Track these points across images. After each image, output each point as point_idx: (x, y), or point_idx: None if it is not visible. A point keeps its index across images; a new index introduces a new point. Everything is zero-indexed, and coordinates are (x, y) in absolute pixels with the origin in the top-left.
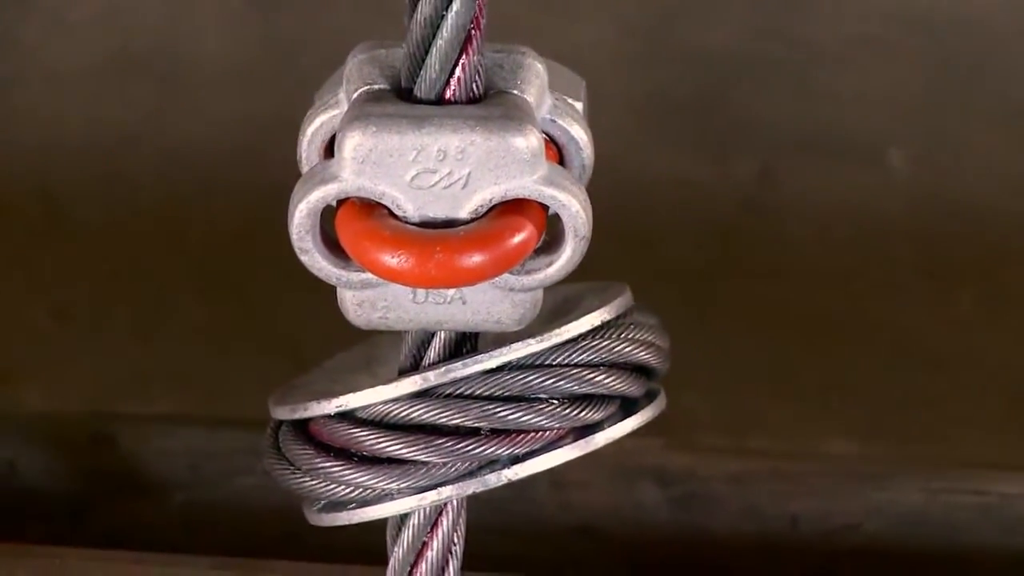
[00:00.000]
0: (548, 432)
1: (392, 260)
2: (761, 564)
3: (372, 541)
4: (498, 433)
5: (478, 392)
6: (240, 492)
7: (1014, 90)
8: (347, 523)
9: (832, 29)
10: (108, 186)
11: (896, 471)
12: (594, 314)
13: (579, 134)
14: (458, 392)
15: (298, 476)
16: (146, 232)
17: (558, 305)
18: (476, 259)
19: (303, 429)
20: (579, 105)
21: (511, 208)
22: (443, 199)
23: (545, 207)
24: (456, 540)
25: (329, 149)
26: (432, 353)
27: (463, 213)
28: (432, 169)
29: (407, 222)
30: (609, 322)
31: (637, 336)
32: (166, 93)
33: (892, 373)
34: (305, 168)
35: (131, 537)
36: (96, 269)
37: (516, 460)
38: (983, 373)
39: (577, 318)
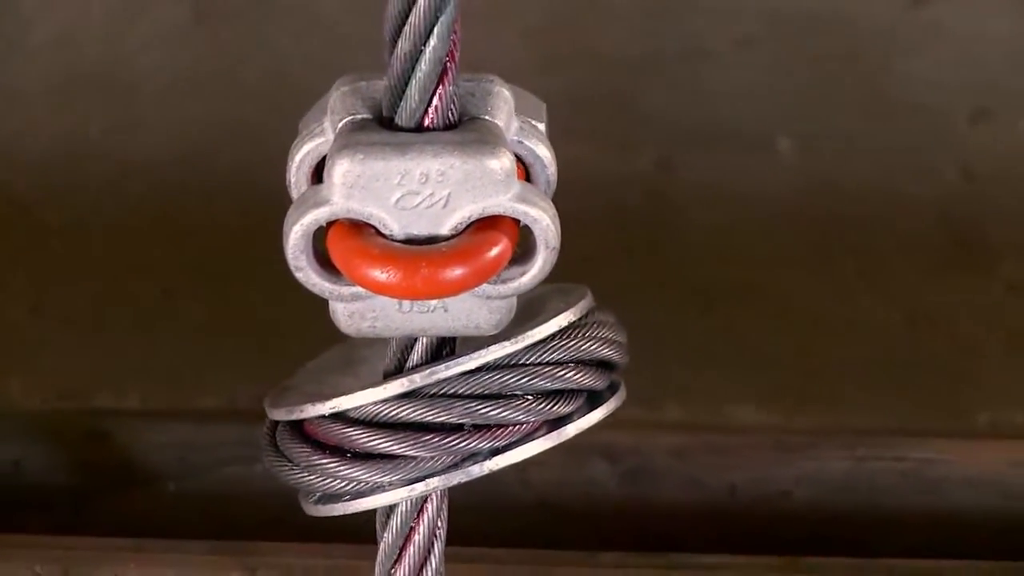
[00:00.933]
0: (524, 425)
1: (381, 275)
2: (703, 531)
3: (351, 520)
4: (479, 428)
5: (460, 391)
6: (226, 480)
7: (882, 79)
8: (342, 513)
9: (719, 31)
10: (71, 194)
11: (823, 441)
12: (561, 316)
13: (544, 153)
14: (442, 392)
15: (296, 472)
16: (110, 234)
17: (524, 307)
18: (458, 272)
19: (299, 429)
20: (542, 126)
21: (487, 224)
22: (425, 218)
23: (517, 221)
24: (440, 524)
25: (316, 174)
26: (415, 356)
27: (444, 230)
28: (415, 191)
29: (393, 240)
30: (575, 323)
31: (600, 334)
32: (120, 106)
33: (788, 341)
34: (294, 192)
35: (129, 524)
36: (67, 270)
37: (496, 452)
38: (869, 341)
39: (546, 320)
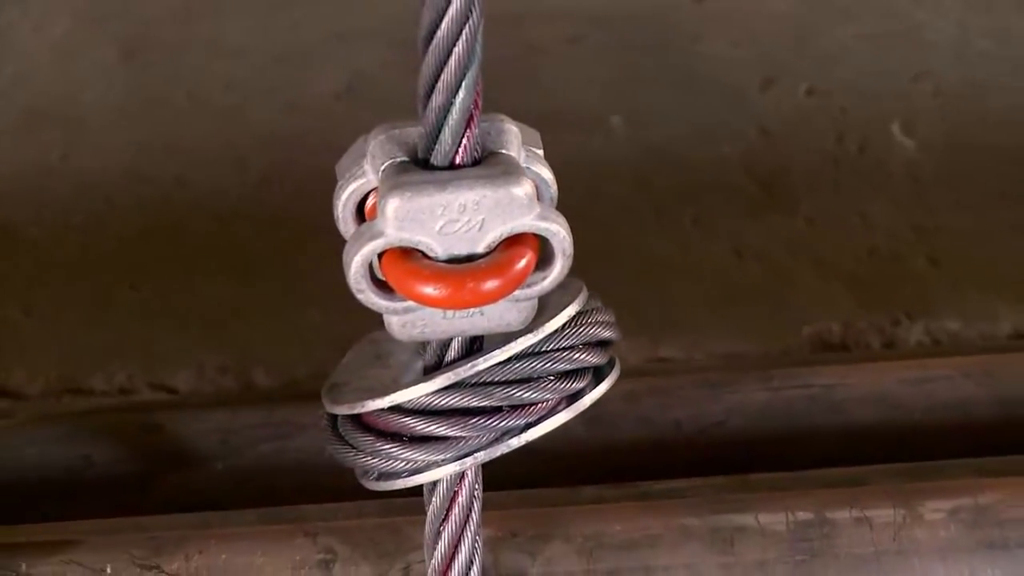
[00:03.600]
0: (549, 401)
1: (434, 292)
2: (657, 461)
3: None
4: (514, 408)
5: (496, 379)
6: (262, 456)
7: (686, 61)
8: (401, 487)
9: (552, 33)
10: (42, 210)
11: (743, 377)
12: (570, 308)
13: (548, 175)
14: (480, 380)
15: (362, 457)
16: (79, 240)
17: None
18: (496, 283)
19: (359, 420)
20: (540, 152)
21: (515, 240)
22: (464, 240)
23: (538, 235)
24: (478, 487)
25: (359, 208)
26: (452, 352)
27: (480, 248)
28: (455, 219)
29: (438, 260)
30: (580, 312)
31: (599, 319)
32: (73, 135)
33: (645, 284)
34: (342, 225)
35: (187, 501)
36: (48, 274)
37: (530, 426)
38: (708, 276)
39: (558, 313)
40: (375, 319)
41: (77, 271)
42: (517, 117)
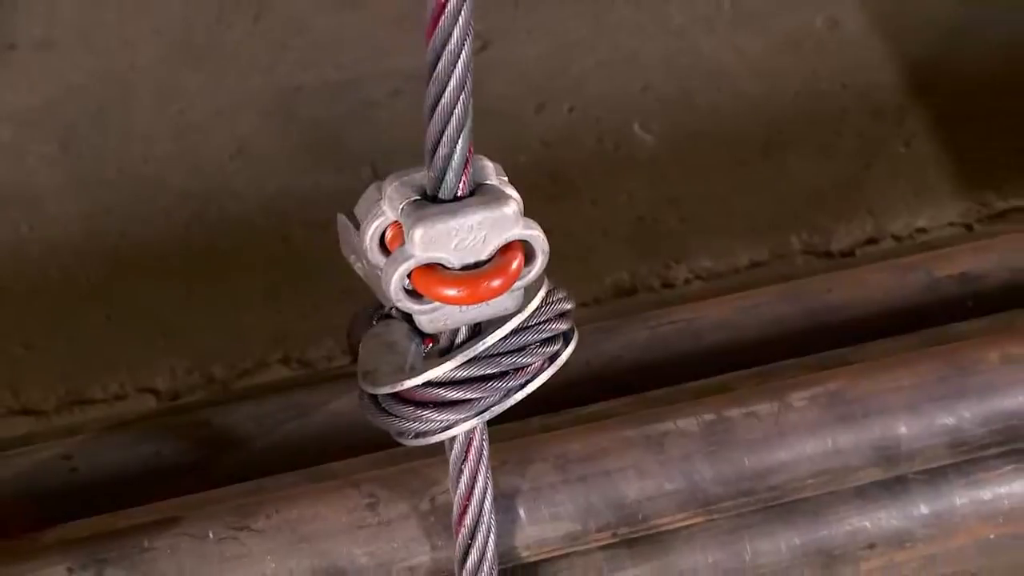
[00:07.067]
0: (538, 363)
1: (456, 293)
2: (576, 393)
3: (373, 437)
4: (515, 371)
5: (500, 351)
6: (288, 432)
7: (478, 100)
8: (436, 441)
9: (379, 89)
10: (20, 269)
11: (627, 321)
12: (542, 291)
13: (516, 195)
14: (488, 354)
15: (405, 422)
16: (55, 287)
17: None
18: (500, 281)
19: (397, 396)
20: (506, 179)
21: (508, 247)
22: (472, 252)
23: (523, 240)
24: (486, 432)
25: (380, 239)
26: (461, 335)
27: (484, 256)
28: (465, 237)
29: (455, 269)
30: (548, 291)
31: (560, 295)
32: (36, 210)
33: None
34: (369, 255)
35: (239, 473)
36: (19, 310)
37: (527, 383)
38: None
39: (533, 296)
40: (293, 318)
41: (60, 310)
42: (372, 151)
